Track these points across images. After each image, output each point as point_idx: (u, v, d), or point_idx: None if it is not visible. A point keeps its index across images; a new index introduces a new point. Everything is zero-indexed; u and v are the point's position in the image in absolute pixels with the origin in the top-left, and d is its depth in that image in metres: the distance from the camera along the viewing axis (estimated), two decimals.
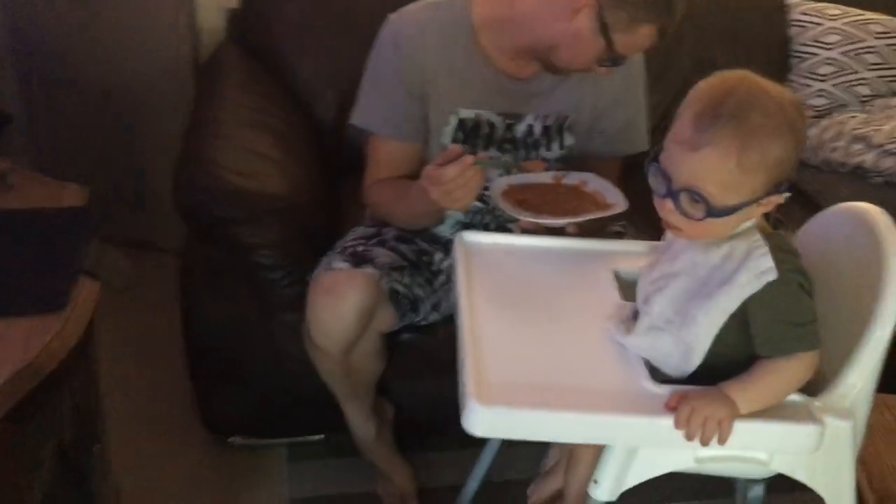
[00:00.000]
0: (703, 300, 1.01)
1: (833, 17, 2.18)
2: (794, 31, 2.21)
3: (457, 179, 1.26)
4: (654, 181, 1.00)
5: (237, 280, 1.66)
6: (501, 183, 1.41)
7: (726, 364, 1.02)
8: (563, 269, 1.26)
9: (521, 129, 1.52)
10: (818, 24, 2.18)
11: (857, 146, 2.02)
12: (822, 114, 2.16)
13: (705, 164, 0.94)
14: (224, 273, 1.67)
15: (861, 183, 2.02)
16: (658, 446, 1.01)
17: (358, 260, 1.45)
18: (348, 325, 1.41)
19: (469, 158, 1.27)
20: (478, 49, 1.47)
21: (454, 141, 1.51)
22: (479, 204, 1.55)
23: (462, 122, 1.50)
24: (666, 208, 0.99)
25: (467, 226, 1.61)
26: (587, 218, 1.33)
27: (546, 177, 1.44)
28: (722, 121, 0.93)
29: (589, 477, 1.22)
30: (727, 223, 0.99)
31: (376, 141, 1.54)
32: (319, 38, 2.06)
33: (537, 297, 1.20)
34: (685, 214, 0.97)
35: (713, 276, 1.01)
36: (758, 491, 1.14)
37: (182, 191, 1.57)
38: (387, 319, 1.48)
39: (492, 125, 1.51)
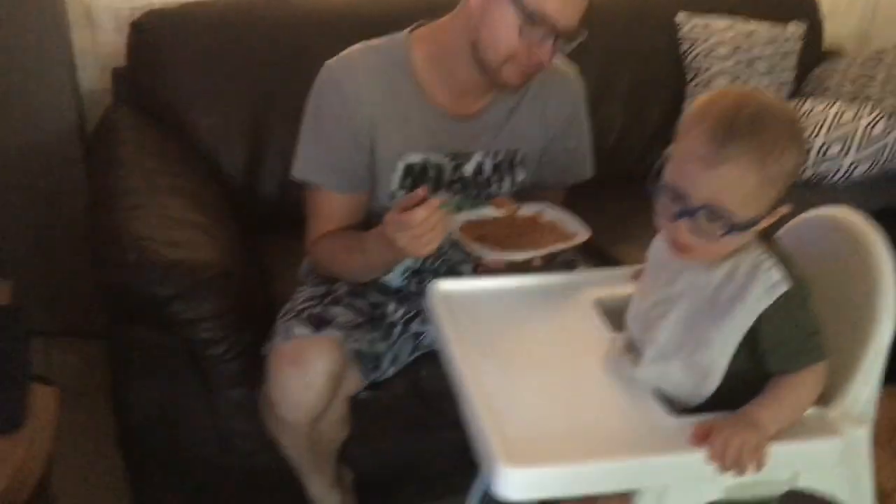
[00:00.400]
0: (717, 320, 0.99)
1: (721, 30, 2.26)
2: (686, 45, 2.28)
3: (425, 223, 1.20)
4: (664, 203, 0.97)
5: (173, 359, 1.52)
6: (457, 221, 1.36)
7: (731, 387, 1.01)
8: (547, 307, 1.22)
9: (469, 168, 1.47)
10: (708, 38, 2.26)
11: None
12: None
13: (727, 180, 0.93)
14: (157, 353, 1.53)
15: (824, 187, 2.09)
16: (697, 482, 0.98)
17: (318, 323, 1.36)
18: (318, 393, 1.31)
19: (436, 201, 1.21)
20: (421, 91, 1.42)
21: (402, 187, 1.44)
22: None
23: (409, 168, 1.44)
24: (680, 229, 0.96)
25: (417, 272, 1.54)
26: (554, 250, 1.30)
27: (500, 210, 1.40)
28: (739, 135, 0.92)
29: None
30: (741, 239, 0.97)
31: (320, 193, 1.46)
32: (216, 89, 1.96)
33: (528, 341, 1.15)
34: (701, 233, 0.95)
35: (720, 294, 0.99)
36: None
37: (106, 271, 1.43)
38: (353, 382, 1.40)
39: (439, 167, 1.45)
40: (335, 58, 1.43)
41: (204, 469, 1.62)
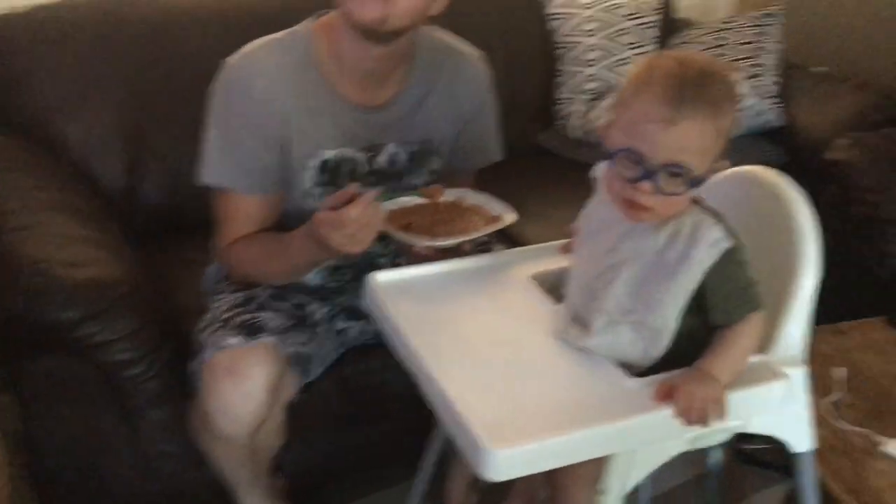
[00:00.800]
0: (664, 281, 1.02)
1: (586, 6, 2.34)
2: (554, 24, 2.34)
3: (360, 219, 1.18)
4: (622, 167, 1.00)
5: (84, 386, 1.43)
6: (382, 210, 1.34)
7: (677, 346, 1.05)
8: (486, 287, 1.22)
9: (382, 159, 1.45)
10: (574, 14, 2.33)
11: None
12: (598, 96, 2.31)
13: (687, 136, 0.96)
14: (67, 382, 1.43)
15: None
16: (665, 439, 1.02)
17: (250, 330, 1.31)
18: (258, 404, 1.27)
19: (369, 195, 1.19)
20: (328, 84, 1.38)
21: (317, 184, 1.41)
22: None
23: (324, 163, 1.40)
24: (642, 189, 0.99)
25: (336, 268, 1.52)
26: (486, 232, 1.31)
27: (424, 197, 1.39)
28: (692, 93, 0.95)
29: (568, 500, 1.22)
30: (686, 199, 1.01)
31: (231, 197, 1.40)
32: (83, 96, 1.84)
33: (476, 323, 1.15)
34: (660, 193, 0.98)
35: (665, 256, 1.02)
36: (718, 455, 1.18)
37: (4, 299, 1.32)
38: (290, 387, 1.36)
39: (354, 161, 1.43)
40: (236, 56, 1.37)
41: (126, 498, 1.53)
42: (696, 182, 0.99)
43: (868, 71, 2.45)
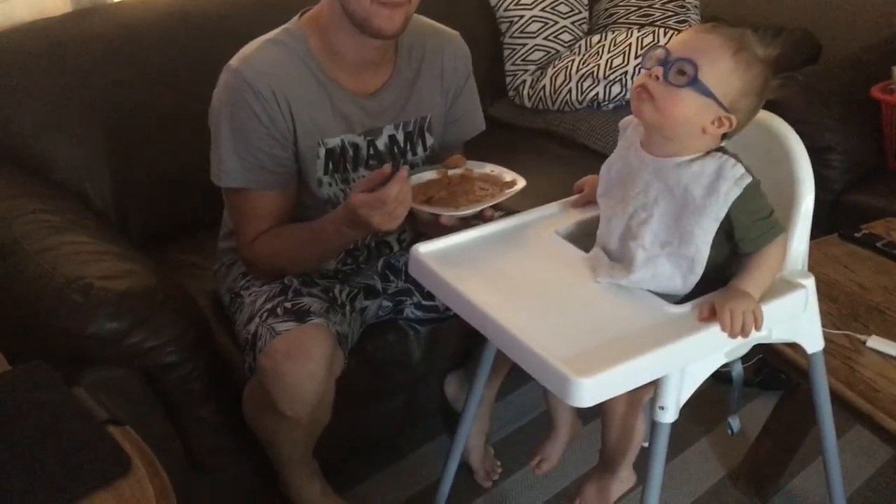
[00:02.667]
0: (694, 214, 1.15)
1: None
2: (493, 1, 2.45)
3: (398, 197, 1.26)
4: (649, 62, 1.14)
5: (131, 392, 1.47)
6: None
7: (707, 278, 1.18)
8: (519, 245, 1.32)
9: (381, 143, 1.54)
10: None
11: (587, 83, 2.33)
12: (542, 65, 2.44)
13: (708, 43, 1.12)
14: (114, 390, 1.46)
15: (599, 112, 2.34)
16: (711, 354, 1.16)
17: (298, 315, 1.38)
18: (319, 382, 1.35)
19: (404, 172, 1.27)
20: (325, 76, 1.46)
21: (325, 172, 1.48)
22: None
23: (330, 152, 1.48)
24: (652, 75, 1.13)
25: (350, 252, 1.60)
26: (505, 197, 1.41)
27: (432, 173, 1.48)
28: (726, 28, 1.13)
29: (623, 426, 1.35)
30: (690, 110, 1.12)
31: (249, 195, 1.45)
32: (69, 119, 1.84)
33: (520, 277, 1.25)
34: (666, 84, 1.11)
35: (692, 192, 1.15)
36: (739, 368, 1.33)
37: (51, 321, 1.35)
38: (339, 364, 1.44)
39: (356, 146, 1.51)
40: (237, 59, 1.43)
41: (178, 493, 1.58)
42: (698, 85, 1.11)
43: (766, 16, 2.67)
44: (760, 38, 1.16)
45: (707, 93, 1.12)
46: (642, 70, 1.17)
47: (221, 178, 1.45)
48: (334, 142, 1.49)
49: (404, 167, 1.29)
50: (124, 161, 1.89)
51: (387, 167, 1.30)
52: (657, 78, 1.13)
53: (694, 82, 1.11)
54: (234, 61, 1.43)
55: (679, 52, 1.12)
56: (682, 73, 1.12)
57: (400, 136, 1.56)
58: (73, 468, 0.87)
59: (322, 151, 1.47)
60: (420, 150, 1.58)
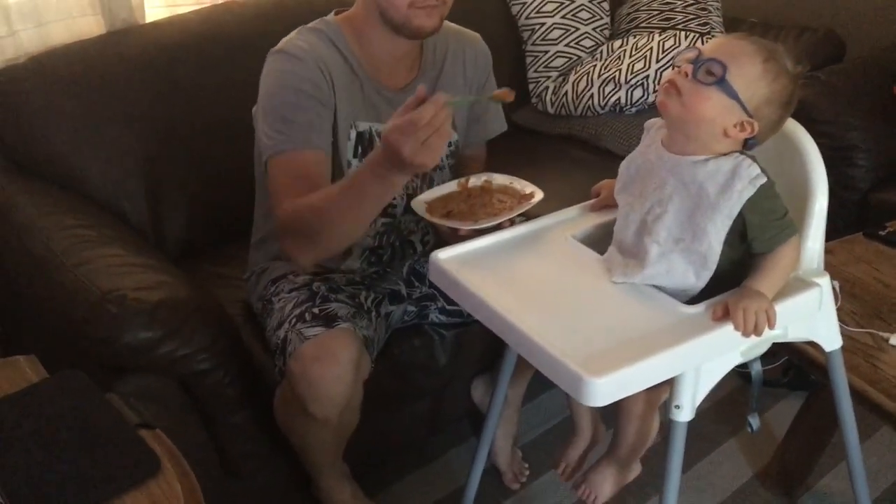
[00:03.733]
0: (707, 211, 1.17)
1: None
2: (515, 9, 2.49)
3: (431, 123, 1.15)
4: (682, 58, 1.17)
5: (165, 400, 1.52)
6: (420, 203, 1.47)
7: (720, 278, 1.20)
8: (535, 250, 1.35)
9: None
10: None
11: (609, 87, 2.35)
12: (565, 72, 2.47)
13: (740, 49, 1.15)
14: (148, 398, 1.52)
15: (621, 116, 2.36)
16: (726, 353, 1.17)
17: (326, 320, 1.42)
18: (347, 385, 1.39)
19: (441, 97, 1.17)
20: (359, 66, 1.53)
21: (354, 154, 1.54)
22: (386, 219, 1.61)
23: (360, 135, 1.53)
24: (682, 72, 1.16)
25: (374, 251, 1.64)
26: (522, 210, 1.43)
27: (452, 185, 1.52)
28: (757, 39, 1.18)
29: (641, 425, 1.37)
30: (715, 109, 1.15)
31: (289, 158, 1.43)
32: (102, 136, 1.89)
33: (537, 280, 1.28)
34: (694, 82, 1.14)
35: (706, 190, 1.17)
36: (758, 367, 1.34)
37: (89, 331, 1.41)
38: (366, 368, 1.47)
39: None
40: (279, 45, 1.51)
41: (212, 499, 1.63)
42: (725, 86, 1.13)
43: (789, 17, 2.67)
44: (791, 54, 1.19)
45: (733, 94, 1.14)
46: (673, 68, 1.20)
47: (269, 150, 1.44)
48: (364, 126, 1.54)
49: (441, 92, 1.19)
50: (158, 177, 1.94)
51: (422, 88, 1.20)
52: (686, 75, 1.16)
53: (721, 82, 1.14)
54: (276, 47, 1.51)
55: (710, 53, 1.16)
56: (711, 73, 1.14)
57: None
58: (105, 469, 0.91)
59: (353, 134, 1.53)
60: (443, 147, 1.62)
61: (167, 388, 1.49)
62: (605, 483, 1.47)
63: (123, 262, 1.57)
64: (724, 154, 1.18)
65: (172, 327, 1.43)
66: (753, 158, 1.18)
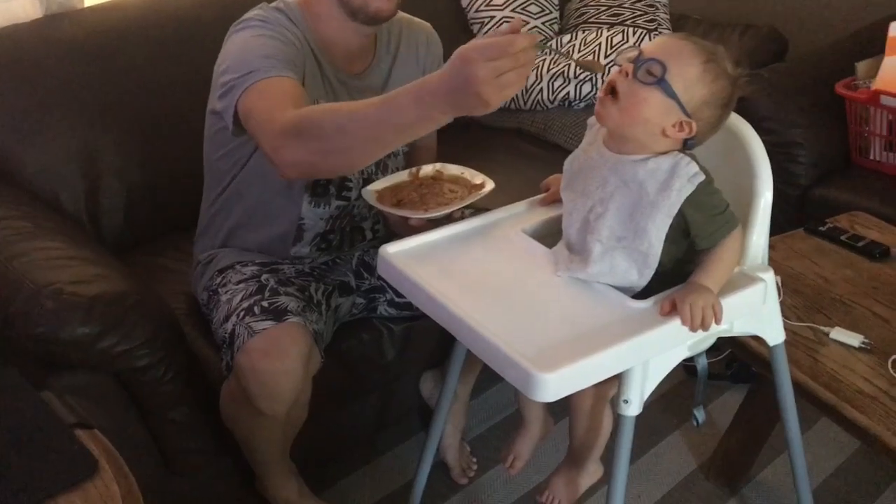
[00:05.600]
0: (647, 210, 1.17)
1: None
2: (464, 1, 2.48)
3: (519, 57, 1.02)
4: (623, 58, 1.17)
5: (102, 396, 1.48)
6: (370, 192, 1.45)
7: (664, 275, 1.21)
8: (486, 244, 1.34)
9: None
10: None
11: (558, 82, 2.36)
12: None
13: (680, 49, 1.15)
14: (85, 394, 1.48)
15: (570, 111, 2.37)
16: (673, 347, 1.18)
17: (276, 314, 1.40)
18: (296, 380, 1.36)
19: (533, 35, 1.07)
20: (316, 52, 1.51)
21: None
22: (341, 202, 1.59)
23: None
24: (622, 72, 1.16)
25: (325, 235, 1.62)
26: (473, 200, 1.43)
27: (403, 174, 1.51)
28: (698, 40, 1.17)
29: (592, 421, 1.37)
30: (653, 109, 1.15)
31: (270, 84, 1.32)
32: (40, 124, 1.83)
33: (486, 274, 1.27)
34: (633, 82, 1.14)
35: (646, 188, 1.17)
36: (704, 361, 1.35)
37: (22, 326, 1.36)
38: (315, 363, 1.45)
39: None
40: (245, 17, 1.48)
41: (153, 496, 1.59)
42: (664, 85, 1.13)
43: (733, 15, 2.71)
44: (732, 55, 1.19)
45: (672, 94, 1.15)
46: (614, 68, 1.19)
47: (247, 81, 1.33)
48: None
49: (531, 33, 1.10)
50: (95, 165, 1.89)
51: (518, 20, 1.12)
52: (626, 75, 1.16)
53: (660, 82, 1.14)
54: (241, 19, 1.47)
55: (651, 54, 1.15)
56: (651, 73, 1.14)
57: None
58: (39, 471, 0.88)
59: None
60: None
61: (105, 384, 1.45)
62: (568, 487, 1.47)
63: (59, 254, 1.52)
64: (664, 153, 1.19)
65: (111, 322, 1.39)
66: (693, 157, 1.19)
